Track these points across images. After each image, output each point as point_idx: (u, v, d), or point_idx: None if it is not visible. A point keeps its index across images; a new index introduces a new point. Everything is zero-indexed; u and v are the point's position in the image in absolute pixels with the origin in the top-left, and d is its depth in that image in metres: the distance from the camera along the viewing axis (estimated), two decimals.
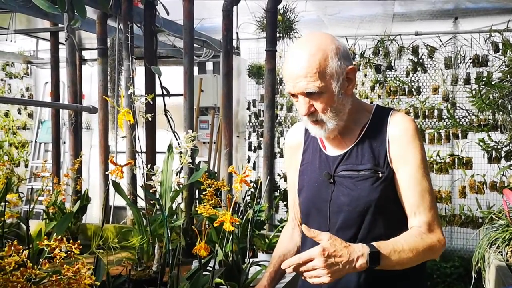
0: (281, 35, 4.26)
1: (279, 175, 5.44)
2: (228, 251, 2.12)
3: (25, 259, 1.09)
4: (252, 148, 5.87)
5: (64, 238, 1.22)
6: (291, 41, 4.39)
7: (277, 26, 3.51)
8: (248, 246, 2.12)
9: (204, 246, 1.92)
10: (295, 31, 4.34)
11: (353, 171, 1.57)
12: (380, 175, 1.54)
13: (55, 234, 2.04)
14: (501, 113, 3.44)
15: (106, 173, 3.49)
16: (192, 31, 3.37)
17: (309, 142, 1.74)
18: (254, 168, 5.83)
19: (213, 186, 2.48)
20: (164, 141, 3.54)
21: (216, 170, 4.91)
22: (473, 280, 2.72)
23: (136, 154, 2.87)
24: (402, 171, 1.54)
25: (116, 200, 3.73)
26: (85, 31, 4.45)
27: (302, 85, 1.49)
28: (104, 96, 3.57)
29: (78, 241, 1.22)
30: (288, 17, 4.28)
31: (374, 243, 1.41)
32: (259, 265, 2.22)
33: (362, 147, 1.59)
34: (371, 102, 5.27)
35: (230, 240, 2.10)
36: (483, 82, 3.43)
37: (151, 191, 2.43)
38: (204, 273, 2.06)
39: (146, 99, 2.51)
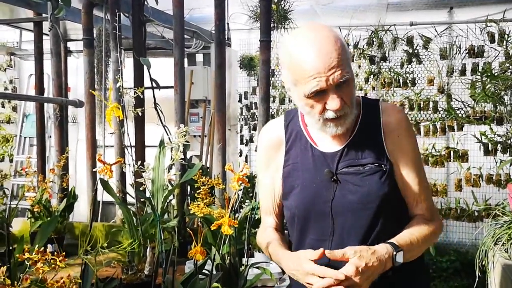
0: (276, 25, 4.13)
1: None
2: (224, 253, 2.01)
3: (3, 277, 0.96)
4: (244, 141, 5.75)
5: (48, 249, 1.09)
6: (285, 31, 4.26)
7: (271, 15, 3.38)
8: (246, 247, 2.00)
9: (200, 250, 1.80)
10: (290, 20, 4.21)
11: (357, 166, 1.49)
12: (385, 168, 1.48)
13: (39, 239, 1.92)
14: (503, 105, 3.36)
15: (94, 170, 3.35)
16: (182, 21, 3.24)
17: (292, 139, 1.61)
18: (246, 162, 5.72)
19: (208, 184, 2.37)
20: (153, 135, 3.42)
21: (208, 165, 4.79)
22: (477, 279, 2.64)
23: (125, 150, 2.74)
24: (402, 162, 1.51)
25: (105, 195, 3.60)
26: (70, 21, 4.30)
27: (337, 76, 1.38)
28: (91, 91, 3.42)
29: (63, 253, 1.10)
30: (282, 6, 4.14)
31: (393, 241, 1.40)
32: (258, 268, 2.11)
33: (360, 141, 1.52)
34: (365, 94, 5.16)
35: (226, 242, 1.98)
36: (486, 74, 3.33)
37: (140, 188, 2.31)
38: (200, 276, 1.95)
39: (135, 92, 2.38)
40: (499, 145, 4.31)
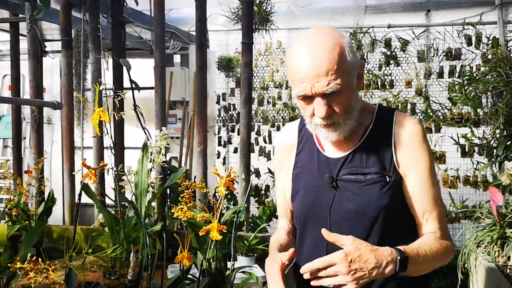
0: (257, 27, 4.11)
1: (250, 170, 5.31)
2: (210, 258, 1.98)
3: None
4: (222, 143, 5.73)
5: (40, 259, 1.06)
6: (267, 33, 4.25)
7: (253, 17, 3.37)
8: (232, 251, 1.98)
9: (187, 256, 1.78)
10: (271, 23, 4.20)
11: (358, 175, 1.46)
12: (388, 179, 1.44)
13: (24, 247, 1.88)
14: (483, 108, 3.40)
15: (74, 173, 3.30)
16: (163, 23, 3.21)
17: (303, 143, 1.60)
18: (224, 164, 5.69)
19: (192, 187, 2.35)
20: (132, 137, 3.38)
21: (188, 167, 4.75)
22: (459, 282, 2.66)
23: (109, 151, 2.69)
24: (413, 176, 1.45)
25: (82, 198, 3.53)
26: (46, 21, 4.22)
27: (322, 85, 1.34)
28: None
29: (56, 262, 1.07)
30: (264, 8, 4.13)
31: (400, 247, 1.33)
32: (243, 272, 2.09)
33: (366, 150, 1.48)
34: None
35: (212, 246, 1.96)
36: (467, 77, 3.38)
37: (122, 191, 2.28)
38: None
39: (119, 95, 2.35)
40: (475, 147, 4.37)
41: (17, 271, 1.03)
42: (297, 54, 1.38)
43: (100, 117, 1.59)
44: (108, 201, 3.14)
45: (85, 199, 2.32)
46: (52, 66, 6.31)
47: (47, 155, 3.77)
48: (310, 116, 1.44)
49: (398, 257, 1.29)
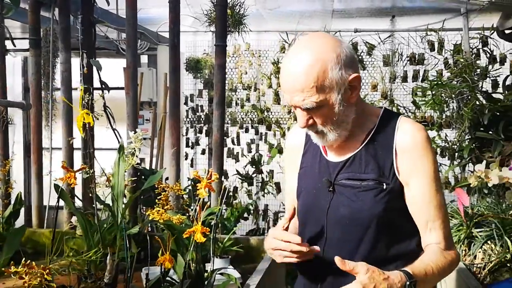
0: (231, 29, 4.13)
1: None
2: (189, 260, 1.99)
3: None
4: (190, 144, 5.71)
5: (34, 263, 1.05)
6: (239, 36, 4.28)
7: (227, 20, 3.38)
8: (211, 252, 1.99)
9: (169, 258, 1.79)
10: (244, 25, 4.22)
11: (355, 180, 1.46)
12: (385, 186, 1.43)
13: (7, 251, 1.84)
14: (449, 112, 3.52)
15: (45, 174, 3.24)
16: (135, 23, 3.19)
17: (309, 144, 1.61)
18: (192, 166, 5.68)
19: (169, 190, 2.35)
20: (100, 138, 3.34)
21: (158, 169, 4.72)
22: None
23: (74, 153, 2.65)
24: (414, 184, 1.43)
25: (45, 200, 3.48)
26: (12, 19, 4.11)
27: (298, 100, 1.37)
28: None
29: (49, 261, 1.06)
30: (238, 11, 4.15)
31: (408, 269, 1.32)
32: (221, 274, 2.11)
33: (366, 155, 1.47)
34: None
35: (191, 248, 1.97)
36: (435, 82, 3.48)
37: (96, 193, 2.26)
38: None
39: (89, 94, 2.32)
40: (439, 149, 4.50)
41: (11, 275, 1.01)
42: (283, 64, 1.43)
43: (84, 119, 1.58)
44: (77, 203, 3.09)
45: (52, 201, 2.28)
46: (14, 65, 6.16)
47: (14, 157, 3.69)
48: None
49: (407, 283, 1.29)
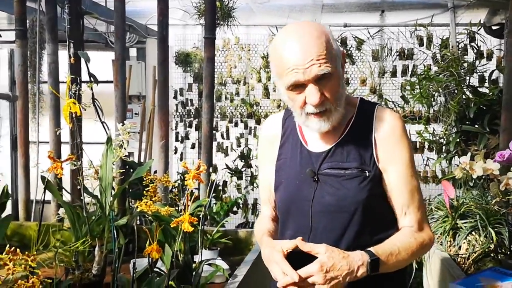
0: (220, 22, 4.12)
1: None
2: (177, 250, 1.99)
3: None
4: (179, 138, 5.70)
5: (18, 250, 1.05)
6: (229, 29, 4.26)
7: (216, 12, 3.38)
8: (199, 243, 1.99)
9: (156, 248, 1.78)
10: (233, 18, 4.22)
11: (338, 169, 1.48)
12: (367, 174, 1.46)
13: None
14: (436, 106, 3.54)
15: (33, 166, 3.21)
16: (124, 15, 3.17)
17: (287, 135, 1.62)
18: (181, 159, 5.66)
19: (157, 182, 2.34)
20: (88, 131, 3.33)
21: (147, 161, 4.71)
22: (413, 271, 2.77)
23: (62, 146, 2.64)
24: (391, 171, 1.47)
25: (32, 194, 3.47)
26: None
27: (315, 69, 1.36)
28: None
29: (35, 252, 1.06)
30: (226, 3, 4.14)
31: (371, 249, 1.36)
32: (210, 265, 2.11)
33: (347, 145, 1.50)
34: None
35: (178, 239, 1.97)
36: (422, 76, 3.50)
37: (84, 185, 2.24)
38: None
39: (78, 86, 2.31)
40: (426, 143, 4.54)
41: None
42: (286, 44, 1.40)
43: (70, 109, 1.57)
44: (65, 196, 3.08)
45: (39, 195, 2.27)
46: (0, 57, 6.11)
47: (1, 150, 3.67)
48: (300, 107, 1.44)
49: (369, 260, 1.33)
